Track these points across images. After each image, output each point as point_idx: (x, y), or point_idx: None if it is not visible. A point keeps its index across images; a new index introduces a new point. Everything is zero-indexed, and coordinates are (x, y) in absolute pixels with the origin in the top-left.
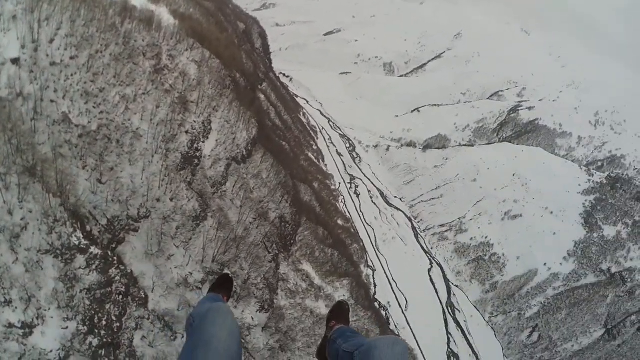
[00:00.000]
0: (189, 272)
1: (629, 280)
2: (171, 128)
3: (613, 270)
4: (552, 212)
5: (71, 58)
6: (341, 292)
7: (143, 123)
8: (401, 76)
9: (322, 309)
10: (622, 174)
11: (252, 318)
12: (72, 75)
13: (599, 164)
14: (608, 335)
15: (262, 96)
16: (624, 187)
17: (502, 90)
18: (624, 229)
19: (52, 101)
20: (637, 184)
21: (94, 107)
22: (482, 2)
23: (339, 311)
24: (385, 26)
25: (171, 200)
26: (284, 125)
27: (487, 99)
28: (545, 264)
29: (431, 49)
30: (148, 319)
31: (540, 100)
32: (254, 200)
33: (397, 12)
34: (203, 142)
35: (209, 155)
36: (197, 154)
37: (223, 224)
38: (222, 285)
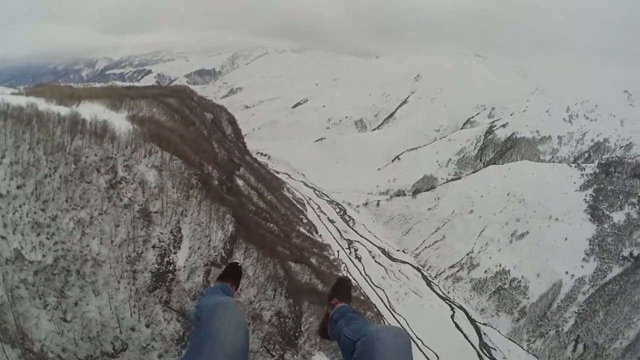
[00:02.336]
0: None
1: None
2: (135, 247)
3: (635, 253)
4: (557, 219)
5: (18, 187)
6: None
7: (103, 247)
8: (374, 129)
9: None
10: (612, 157)
11: None
12: (20, 206)
13: (586, 155)
14: None
15: (241, 182)
16: (617, 169)
17: (473, 117)
18: (631, 209)
19: (2, 237)
20: (628, 161)
21: (47, 239)
22: (433, 40)
23: (340, 288)
24: (349, 86)
25: (147, 326)
26: (269, 205)
27: (461, 128)
28: (567, 272)
29: (396, 96)
30: None
31: (511, 114)
32: (243, 304)
33: (356, 71)
34: (175, 253)
35: (184, 267)
36: (170, 268)
37: None
38: (231, 274)
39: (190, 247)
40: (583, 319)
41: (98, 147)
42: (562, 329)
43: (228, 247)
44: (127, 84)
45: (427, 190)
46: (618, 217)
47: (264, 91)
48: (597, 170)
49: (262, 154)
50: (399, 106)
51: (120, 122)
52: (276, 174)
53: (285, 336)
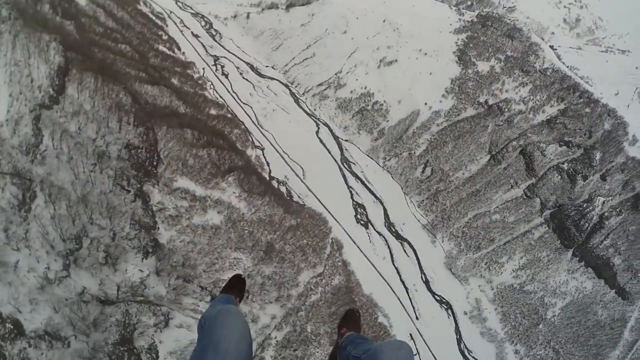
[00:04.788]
0: (46, 267)
1: (506, 110)
2: None
3: (490, 102)
4: (426, 54)
5: None
6: (230, 190)
7: None
8: None
9: (215, 218)
10: (492, 12)
11: (140, 270)
12: None
13: (469, 2)
14: (493, 160)
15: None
16: (494, 25)
17: None
18: (497, 63)
19: None
20: (507, 21)
21: None
22: None
23: (349, 319)
24: None
25: None
26: (120, 24)
27: None
28: (426, 104)
29: None
30: (31, 345)
31: None
32: (85, 144)
33: None
34: None
35: (7, 120)
36: None
37: (57, 194)
38: (234, 286)
39: (10, 95)
40: (434, 147)
41: None
42: (415, 152)
43: (57, 82)
44: None
45: (303, 5)
46: (483, 66)
47: None
48: (475, 20)
49: None
50: None
51: None
52: None
53: (141, 168)
